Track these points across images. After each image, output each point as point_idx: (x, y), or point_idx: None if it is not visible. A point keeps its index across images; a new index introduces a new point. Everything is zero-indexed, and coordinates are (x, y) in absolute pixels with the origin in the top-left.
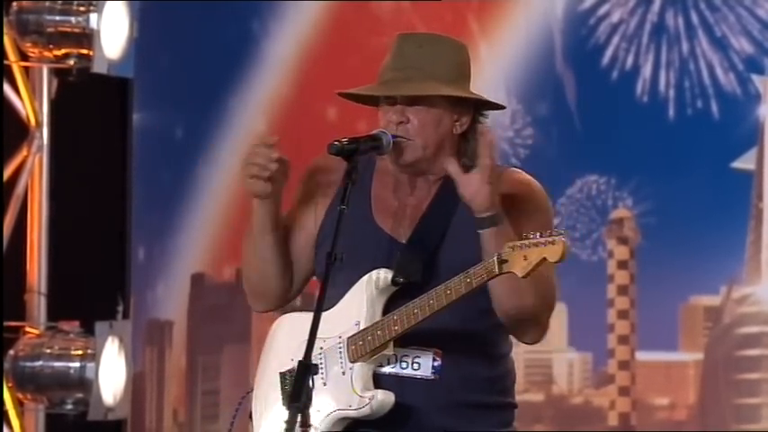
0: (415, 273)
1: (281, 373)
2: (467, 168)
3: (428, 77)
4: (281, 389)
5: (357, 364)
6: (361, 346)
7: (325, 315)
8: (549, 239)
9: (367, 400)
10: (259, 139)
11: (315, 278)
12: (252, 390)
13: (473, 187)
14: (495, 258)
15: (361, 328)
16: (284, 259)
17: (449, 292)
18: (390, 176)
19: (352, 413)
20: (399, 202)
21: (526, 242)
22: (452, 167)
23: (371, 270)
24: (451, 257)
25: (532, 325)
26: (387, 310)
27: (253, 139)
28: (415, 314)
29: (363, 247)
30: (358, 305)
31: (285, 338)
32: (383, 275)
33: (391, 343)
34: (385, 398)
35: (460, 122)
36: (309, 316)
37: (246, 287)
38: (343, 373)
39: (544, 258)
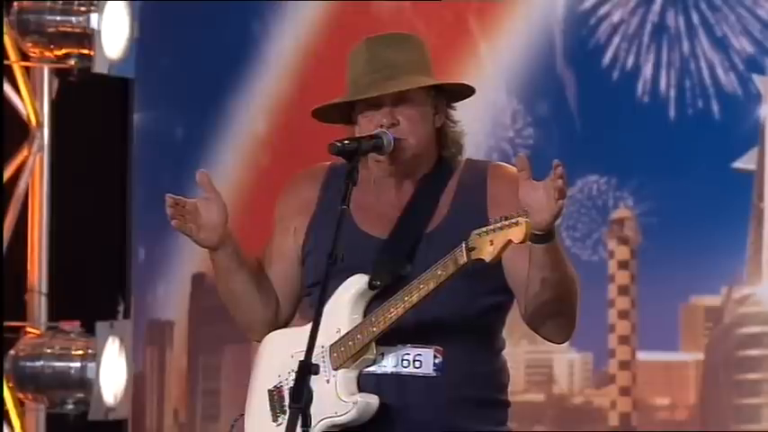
0: (397, 271)
1: (268, 390)
2: (446, 161)
3: (408, 73)
4: (270, 406)
5: (341, 371)
6: (342, 353)
7: (306, 327)
8: (513, 221)
9: (351, 405)
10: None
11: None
12: (242, 414)
13: (538, 202)
14: (462, 246)
15: (342, 334)
16: (263, 289)
17: (421, 286)
18: (372, 184)
19: (338, 419)
20: (382, 206)
21: (491, 227)
22: (522, 163)
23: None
24: (432, 253)
25: (571, 308)
26: (369, 312)
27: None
28: (392, 312)
29: (349, 252)
30: (338, 312)
31: (270, 357)
32: (359, 281)
33: (373, 346)
34: (368, 401)
35: (439, 116)
36: (292, 332)
37: (237, 322)
38: (328, 382)
39: (510, 240)
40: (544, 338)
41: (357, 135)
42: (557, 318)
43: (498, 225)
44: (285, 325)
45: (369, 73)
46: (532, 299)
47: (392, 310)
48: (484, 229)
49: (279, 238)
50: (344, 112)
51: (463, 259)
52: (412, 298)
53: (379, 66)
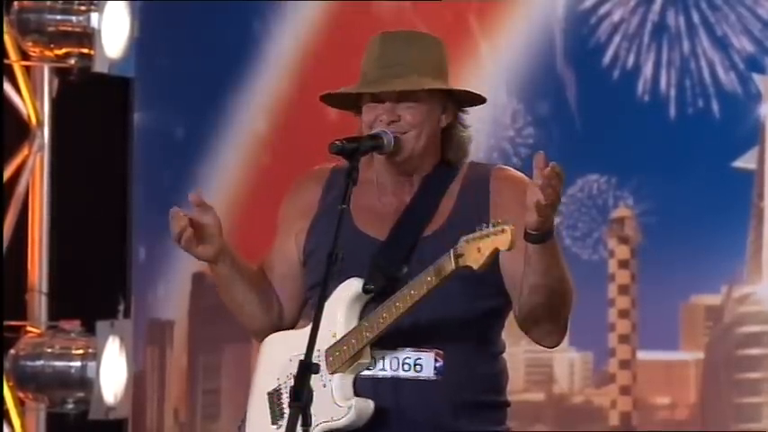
0: (393, 273)
1: (268, 392)
2: (449, 163)
3: (415, 73)
4: (270, 409)
5: (336, 375)
6: (337, 357)
7: (305, 330)
8: (499, 229)
9: (346, 410)
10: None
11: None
12: (245, 417)
13: (533, 201)
14: (451, 253)
15: (338, 338)
16: (264, 296)
17: (413, 292)
18: (373, 185)
19: (334, 424)
20: (383, 207)
21: (478, 234)
22: (537, 161)
23: (359, 276)
24: (429, 256)
25: (562, 314)
26: (365, 315)
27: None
28: (384, 318)
29: (348, 254)
30: (334, 317)
31: (269, 359)
32: (353, 285)
33: (368, 350)
34: (363, 405)
35: (446, 116)
36: (291, 334)
37: (243, 328)
38: (324, 386)
39: (496, 248)
40: (534, 341)
41: (361, 123)
42: (547, 322)
43: (485, 232)
44: (291, 327)
45: (378, 68)
46: (525, 300)
47: (384, 315)
48: (472, 235)
49: (281, 241)
50: (352, 100)
51: (451, 266)
52: (404, 303)
53: (390, 62)
